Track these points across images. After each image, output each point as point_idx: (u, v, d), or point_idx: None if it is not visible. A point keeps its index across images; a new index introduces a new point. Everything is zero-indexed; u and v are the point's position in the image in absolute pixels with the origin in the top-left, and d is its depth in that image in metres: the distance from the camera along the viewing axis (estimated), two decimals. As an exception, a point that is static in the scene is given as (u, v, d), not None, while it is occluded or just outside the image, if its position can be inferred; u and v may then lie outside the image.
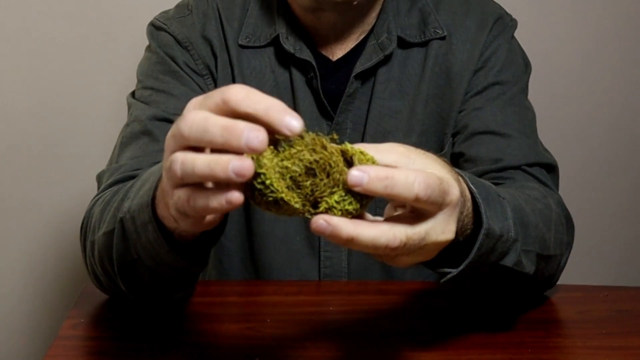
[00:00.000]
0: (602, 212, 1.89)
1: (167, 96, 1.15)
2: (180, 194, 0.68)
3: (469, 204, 0.79)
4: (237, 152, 0.64)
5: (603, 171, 1.87)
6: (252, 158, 0.65)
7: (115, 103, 1.66)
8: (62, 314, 1.32)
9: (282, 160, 0.67)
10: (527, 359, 0.89)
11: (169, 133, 0.69)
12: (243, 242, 1.21)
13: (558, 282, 1.05)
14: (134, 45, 1.31)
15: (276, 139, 0.67)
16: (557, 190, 1.14)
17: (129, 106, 1.18)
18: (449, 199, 0.71)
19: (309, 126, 1.17)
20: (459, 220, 0.75)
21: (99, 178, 1.10)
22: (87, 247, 0.97)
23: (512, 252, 0.85)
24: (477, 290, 0.90)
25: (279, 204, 0.67)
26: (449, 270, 0.81)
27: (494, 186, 0.86)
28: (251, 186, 0.66)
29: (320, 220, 0.66)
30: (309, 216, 0.67)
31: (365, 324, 0.96)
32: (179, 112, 1.12)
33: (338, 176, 0.67)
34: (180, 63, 1.17)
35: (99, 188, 1.07)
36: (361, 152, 0.69)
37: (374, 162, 0.69)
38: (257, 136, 0.63)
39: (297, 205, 0.67)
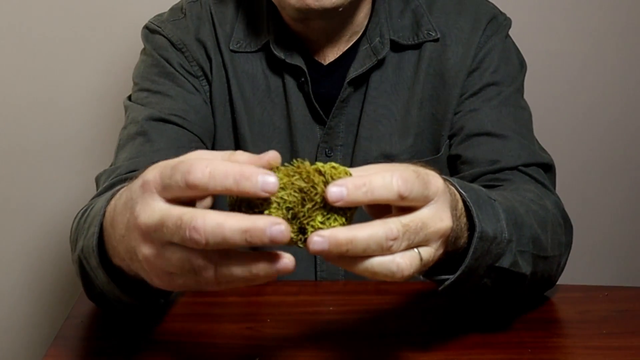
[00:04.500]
0: (602, 212, 1.89)
1: (163, 97, 1.15)
2: (203, 285, 0.67)
3: (461, 205, 0.78)
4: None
5: (603, 171, 1.87)
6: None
7: (114, 103, 1.66)
8: (62, 314, 1.32)
9: (277, 190, 0.66)
10: (527, 359, 0.89)
11: (162, 229, 0.66)
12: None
13: (558, 282, 1.05)
14: (134, 46, 1.31)
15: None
16: (555, 188, 1.14)
17: (126, 109, 1.18)
18: (433, 188, 0.71)
19: (302, 130, 1.17)
20: (453, 220, 0.74)
21: (97, 180, 1.10)
22: None
23: (508, 253, 0.85)
24: (477, 297, 0.90)
25: None
26: (446, 277, 0.81)
27: (484, 189, 0.86)
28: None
29: (315, 238, 0.66)
30: (301, 245, 0.68)
31: (365, 324, 0.96)
32: (174, 112, 1.14)
33: (318, 198, 0.67)
34: (175, 65, 1.17)
35: (97, 190, 1.07)
36: (333, 167, 0.68)
37: (347, 172, 0.68)
38: (280, 231, 0.63)
39: (293, 235, 0.67)
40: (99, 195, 1.03)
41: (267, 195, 0.64)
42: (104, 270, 0.81)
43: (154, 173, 0.67)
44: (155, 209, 0.66)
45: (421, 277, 0.81)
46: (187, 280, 0.68)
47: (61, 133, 1.74)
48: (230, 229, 0.63)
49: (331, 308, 1.02)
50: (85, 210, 0.94)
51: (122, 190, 0.74)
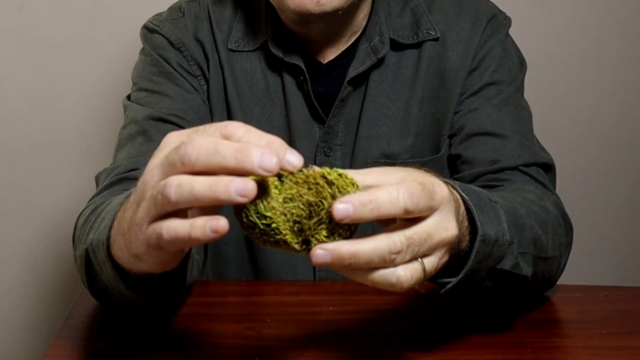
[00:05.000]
0: (602, 212, 1.89)
1: (162, 97, 1.15)
2: (157, 226, 0.67)
3: (463, 209, 0.78)
4: (247, 175, 0.64)
5: (603, 171, 1.87)
6: (262, 202, 0.66)
7: (114, 103, 1.66)
8: (62, 314, 1.32)
9: (285, 200, 0.67)
10: (527, 359, 0.89)
11: (159, 162, 0.68)
12: (240, 246, 1.21)
13: (558, 282, 1.05)
14: (133, 46, 1.31)
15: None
16: (555, 188, 1.14)
17: (125, 109, 1.18)
18: (439, 198, 0.71)
19: (301, 129, 1.17)
20: (457, 222, 0.75)
21: (97, 179, 1.10)
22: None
23: (509, 255, 0.85)
24: (478, 299, 0.90)
25: (279, 244, 0.68)
26: (448, 280, 0.81)
27: (485, 191, 0.86)
28: (252, 223, 0.67)
29: (318, 251, 0.66)
30: (305, 254, 0.68)
31: (365, 324, 0.96)
32: (173, 112, 1.14)
33: (324, 213, 0.67)
34: (174, 64, 1.17)
35: (97, 188, 1.07)
36: (339, 175, 0.68)
37: (353, 184, 0.68)
38: (270, 157, 0.63)
39: (297, 247, 0.68)
40: (98, 193, 1.03)
41: (290, 168, 0.65)
42: (111, 263, 0.81)
43: (177, 132, 0.70)
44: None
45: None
46: (152, 227, 0.68)
47: (61, 133, 1.74)
48: (224, 144, 0.64)
49: (331, 308, 1.02)
50: (96, 207, 0.94)
51: None
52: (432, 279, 0.81)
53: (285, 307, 1.01)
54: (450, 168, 1.18)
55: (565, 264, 1.04)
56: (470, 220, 0.80)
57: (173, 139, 0.69)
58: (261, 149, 0.64)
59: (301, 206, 0.67)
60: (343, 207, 0.66)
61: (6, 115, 1.72)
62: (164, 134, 1.11)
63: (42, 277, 1.82)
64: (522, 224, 0.89)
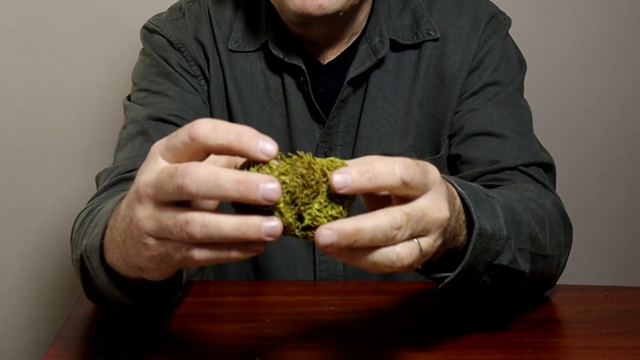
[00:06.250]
0: (602, 212, 1.89)
1: (162, 97, 1.15)
2: (186, 253, 0.66)
3: (459, 202, 0.78)
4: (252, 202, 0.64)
5: (603, 171, 1.87)
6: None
7: (114, 103, 1.66)
8: (62, 314, 1.32)
9: (280, 174, 0.67)
10: (527, 359, 0.89)
11: (152, 179, 0.67)
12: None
13: (558, 282, 1.05)
14: (134, 46, 1.32)
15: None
16: (555, 188, 1.14)
17: (125, 109, 1.18)
18: (432, 177, 0.71)
19: (301, 130, 1.16)
20: (450, 211, 0.74)
21: (97, 179, 1.10)
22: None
23: (507, 250, 0.85)
24: (476, 295, 0.90)
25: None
26: (446, 275, 0.81)
27: (481, 187, 0.86)
28: None
29: (324, 231, 0.65)
30: (298, 233, 0.67)
31: (364, 324, 0.96)
32: (173, 112, 1.14)
33: (316, 185, 0.67)
34: (174, 64, 1.17)
35: (97, 189, 1.08)
36: (331, 161, 0.68)
37: (344, 164, 0.68)
38: (272, 188, 0.63)
39: (290, 220, 0.67)
40: (98, 194, 1.03)
41: (264, 158, 0.64)
42: (105, 270, 0.81)
43: (160, 139, 0.69)
44: (155, 168, 0.67)
45: (421, 275, 0.81)
46: (168, 247, 0.67)
47: (61, 133, 1.74)
48: (224, 177, 0.63)
49: (331, 308, 1.02)
50: (91, 210, 0.94)
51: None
52: (430, 274, 0.81)
53: (285, 307, 1.01)
54: (450, 168, 1.18)
55: (565, 264, 1.04)
56: (467, 215, 0.80)
57: (157, 150, 0.68)
58: (262, 177, 0.63)
59: (295, 178, 0.66)
60: (341, 177, 0.65)
61: (7, 115, 1.73)
62: (164, 134, 1.11)
63: (42, 278, 1.82)
64: (519, 220, 0.89)
